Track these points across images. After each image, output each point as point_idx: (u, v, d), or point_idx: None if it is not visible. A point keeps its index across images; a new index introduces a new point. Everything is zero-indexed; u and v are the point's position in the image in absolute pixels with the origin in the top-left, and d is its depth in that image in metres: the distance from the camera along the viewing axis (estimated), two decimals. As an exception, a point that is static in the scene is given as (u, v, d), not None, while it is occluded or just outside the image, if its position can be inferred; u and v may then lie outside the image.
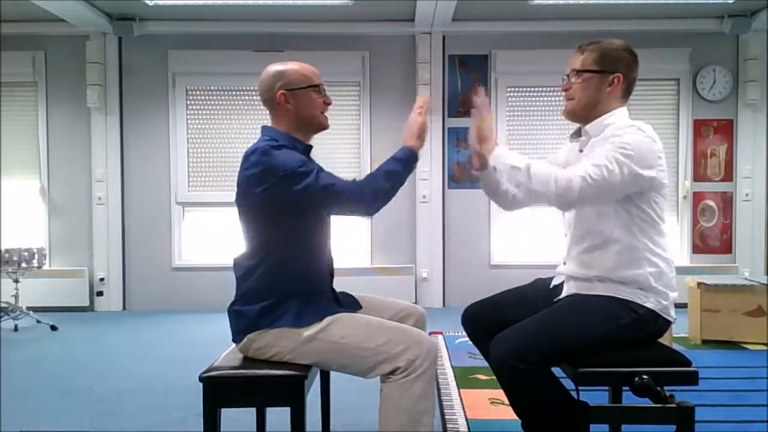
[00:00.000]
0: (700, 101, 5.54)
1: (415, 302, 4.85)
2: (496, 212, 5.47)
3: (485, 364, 1.92)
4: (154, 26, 5.40)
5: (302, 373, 1.72)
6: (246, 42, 5.47)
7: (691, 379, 1.71)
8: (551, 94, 5.52)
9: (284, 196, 1.72)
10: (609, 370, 1.71)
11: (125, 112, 5.53)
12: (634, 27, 5.32)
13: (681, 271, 4.38)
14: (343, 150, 5.56)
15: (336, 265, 1.98)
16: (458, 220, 5.54)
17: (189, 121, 5.57)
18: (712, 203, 5.58)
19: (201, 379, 1.71)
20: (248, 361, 1.79)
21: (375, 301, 2.06)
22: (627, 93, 1.91)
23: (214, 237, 5.54)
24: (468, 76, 5.54)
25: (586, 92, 1.87)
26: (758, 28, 5.35)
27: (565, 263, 1.94)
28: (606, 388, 2.08)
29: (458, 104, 5.54)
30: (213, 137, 5.59)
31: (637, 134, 1.73)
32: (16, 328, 4.59)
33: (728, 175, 5.58)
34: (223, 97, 5.57)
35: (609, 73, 1.85)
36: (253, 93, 5.54)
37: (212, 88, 5.56)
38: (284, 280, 1.77)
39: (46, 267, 4.96)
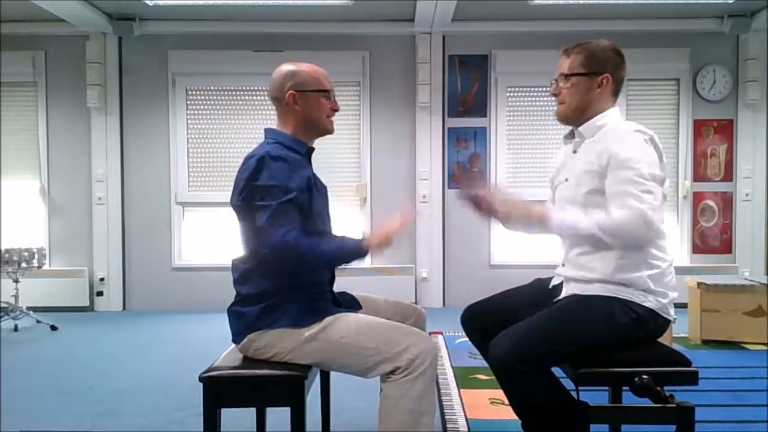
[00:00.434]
0: (700, 101, 5.53)
1: (415, 302, 4.86)
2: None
3: (485, 364, 1.92)
4: (154, 26, 5.40)
5: (302, 373, 1.72)
6: (246, 42, 5.47)
7: (691, 379, 1.72)
8: (551, 94, 5.51)
9: (248, 203, 1.73)
10: (609, 370, 1.71)
11: (125, 112, 5.53)
12: (634, 27, 5.32)
13: (681, 271, 4.39)
14: (343, 150, 5.56)
15: (336, 265, 1.98)
16: (458, 220, 5.53)
17: (189, 121, 5.57)
18: (712, 203, 5.58)
19: (201, 379, 1.71)
20: (248, 362, 1.79)
21: (375, 301, 2.07)
22: (616, 93, 1.92)
23: (214, 237, 5.54)
24: (468, 76, 5.54)
25: (576, 95, 1.88)
26: (758, 28, 5.34)
27: (563, 265, 1.94)
28: (606, 388, 2.08)
29: (458, 104, 5.54)
30: (213, 137, 5.58)
31: (638, 143, 1.74)
32: (16, 328, 4.59)
33: (728, 175, 5.58)
34: (223, 97, 5.56)
35: (597, 75, 1.86)
36: (254, 93, 5.54)
37: (212, 88, 5.55)
38: (284, 281, 1.77)
39: (46, 267, 4.96)
